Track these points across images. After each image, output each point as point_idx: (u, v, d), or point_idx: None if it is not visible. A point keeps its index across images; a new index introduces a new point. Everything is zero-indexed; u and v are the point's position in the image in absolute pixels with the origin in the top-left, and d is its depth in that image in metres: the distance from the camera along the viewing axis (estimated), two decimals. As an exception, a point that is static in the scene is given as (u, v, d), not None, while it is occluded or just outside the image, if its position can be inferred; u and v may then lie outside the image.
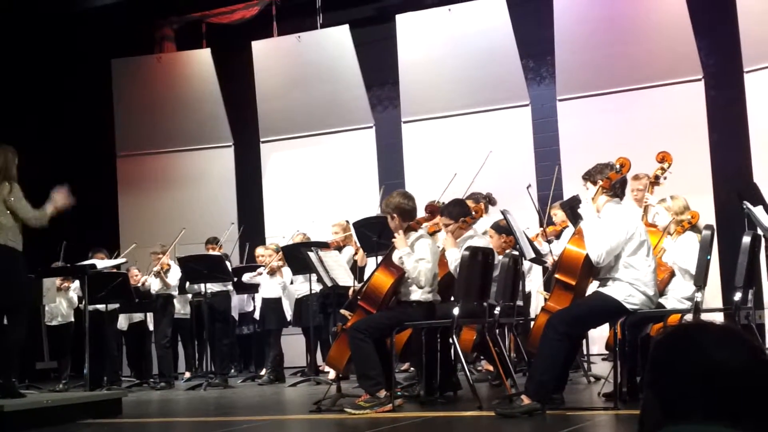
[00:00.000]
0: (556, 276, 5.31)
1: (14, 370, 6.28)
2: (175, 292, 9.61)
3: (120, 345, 10.05)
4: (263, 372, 9.58)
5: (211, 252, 9.78)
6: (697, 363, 1.36)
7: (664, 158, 6.27)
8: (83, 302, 8.61)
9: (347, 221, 9.09)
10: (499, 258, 6.45)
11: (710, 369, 1.35)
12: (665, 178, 6.28)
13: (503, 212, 6.64)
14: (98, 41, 12.46)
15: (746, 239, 5.17)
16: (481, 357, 7.48)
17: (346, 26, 11.72)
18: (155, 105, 12.75)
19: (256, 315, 10.16)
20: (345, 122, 11.88)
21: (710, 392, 1.34)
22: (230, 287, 9.59)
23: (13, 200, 5.94)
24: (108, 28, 12.28)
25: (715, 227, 5.64)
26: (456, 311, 5.50)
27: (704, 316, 5.04)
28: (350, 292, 6.46)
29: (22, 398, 5.93)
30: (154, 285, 9.40)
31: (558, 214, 8.11)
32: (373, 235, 7.25)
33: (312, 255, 7.31)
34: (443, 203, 6.90)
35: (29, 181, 6.25)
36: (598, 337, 8.02)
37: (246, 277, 9.61)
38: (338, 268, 7.48)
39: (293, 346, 10.13)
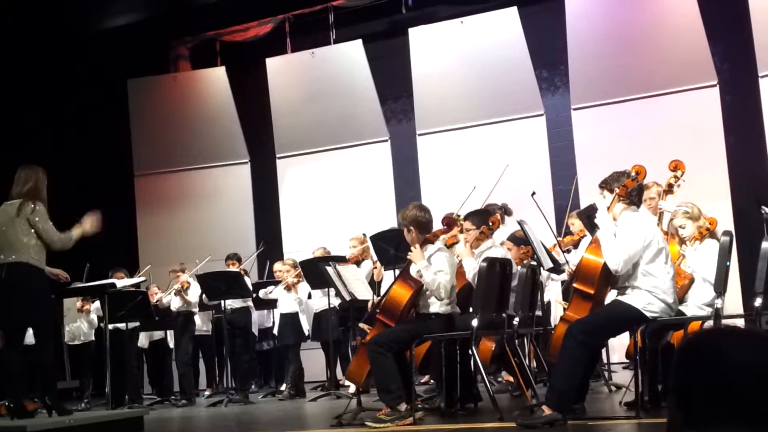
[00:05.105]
0: (575, 285, 5.30)
1: (55, 387, 6.34)
2: (196, 309, 9.65)
3: (141, 363, 10.09)
4: (283, 387, 9.58)
5: (231, 268, 9.81)
6: (717, 367, 1.36)
7: (677, 167, 6.27)
8: (103, 321, 8.65)
9: (364, 234, 9.11)
10: (517, 268, 6.44)
11: (730, 373, 1.35)
12: (678, 186, 6.27)
13: (520, 223, 6.64)
14: (114, 61, 12.57)
15: (766, 244, 5.13)
16: (502, 368, 7.46)
17: (359, 41, 11.77)
18: (171, 124, 12.83)
19: (275, 330, 10.18)
20: (360, 136, 11.91)
21: (730, 396, 1.34)
22: (250, 303, 9.61)
23: (37, 221, 6.01)
24: (123, 48, 12.39)
25: (733, 233, 5.61)
26: (475, 323, 5.49)
27: (725, 323, 5.01)
28: (369, 305, 6.46)
29: (53, 418, 5.97)
30: (175, 303, 9.44)
31: (575, 224, 8.08)
32: (391, 248, 7.26)
33: (330, 269, 7.31)
34: (459, 215, 6.91)
35: (47, 202, 6.30)
36: (618, 345, 7.98)
37: (261, 293, 9.64)
38: (356, 282, 7.48)
39: (313, 360, 10.13)
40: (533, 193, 7.51)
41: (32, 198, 6.07)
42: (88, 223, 6.39)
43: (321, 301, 9.16)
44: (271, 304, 9.82)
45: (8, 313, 6.09)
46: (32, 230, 6.01)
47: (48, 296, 6.32)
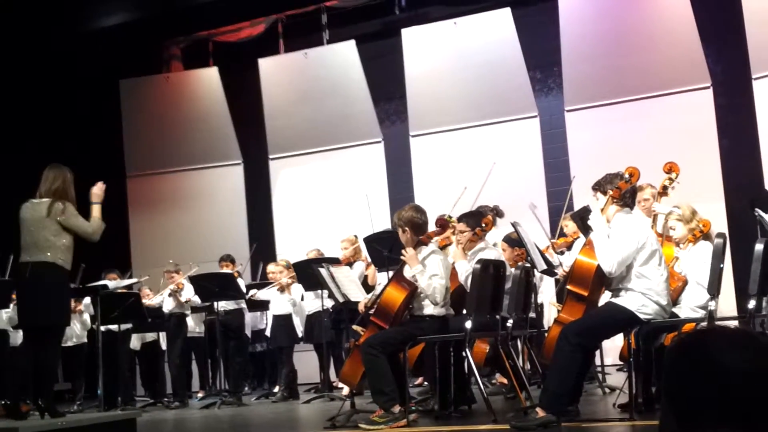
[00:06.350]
0: (568, 287, 5.29)
1: (51, 390, 6.30)
2: (189, 311, 9.61)
3: (133, 365, 10.05)
4: (277, 389, 9.56)
5: (224, 270, 9.78)
6: (708, 367, 1.36)
7: (671, 168, 6.26)
8: (96, 323, 8.62)
9: (356, 236, 9.10)
10: (510, 270, 6.43)
11: (721, 373, 1.34)
12: (673, 188, 6.26)
13: (513, 224, 6.63)
14: (106, 62, 12.52)
15: (759, 246, 5.12)
16: (495, 370, 7.45)
17: (353, 41, 11.75)
18: (164, 124, 12.79)
19: (268, 332, 10.16)
20: (353, 137, 11.90)
21: (722, 397, 1.34)
22: (243, 305, 9.58)
23: (67, 218, 5.98)
24: (115, 48, 12.34)
25: (727, 235, 5.61)
26: (468, 325, 5.48)
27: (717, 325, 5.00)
28: (361, 307, 6.45)
29: (45, 420, 5.92)
30: (168, 304, 9.40)
31: (569, 225, 8.09)
32: (384, 249, 7.24)
33: (323, 271, 7.30)
34: (450, 216, 6.89)
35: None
36: (612, 347, 7.99)
37: (255, 293, 9.60)
38: (349, 283, 7.46)
39: (307, 362, 10.11)
40: (534, 207, 7.48)
41: (61, 197, 6.06)
42: (96, 191, 6.35)
43: (314, 302, 9.14)
44: (264, 305, 9.80)
45: (29, 312, 6.06)
46: (62, 230, 5.98)
47: (67, 298, 6.29)
